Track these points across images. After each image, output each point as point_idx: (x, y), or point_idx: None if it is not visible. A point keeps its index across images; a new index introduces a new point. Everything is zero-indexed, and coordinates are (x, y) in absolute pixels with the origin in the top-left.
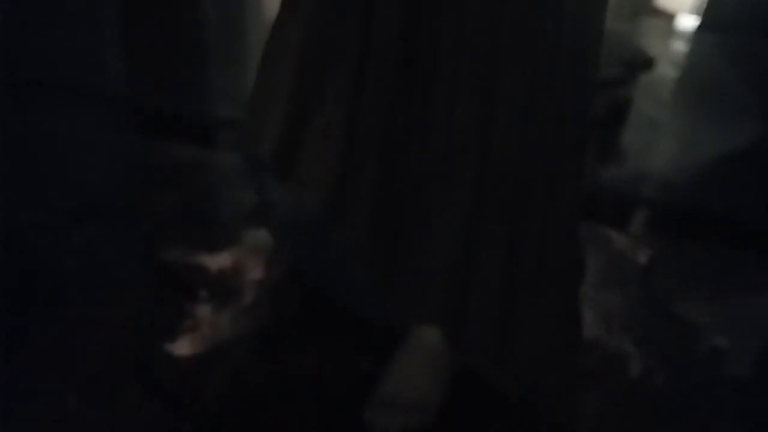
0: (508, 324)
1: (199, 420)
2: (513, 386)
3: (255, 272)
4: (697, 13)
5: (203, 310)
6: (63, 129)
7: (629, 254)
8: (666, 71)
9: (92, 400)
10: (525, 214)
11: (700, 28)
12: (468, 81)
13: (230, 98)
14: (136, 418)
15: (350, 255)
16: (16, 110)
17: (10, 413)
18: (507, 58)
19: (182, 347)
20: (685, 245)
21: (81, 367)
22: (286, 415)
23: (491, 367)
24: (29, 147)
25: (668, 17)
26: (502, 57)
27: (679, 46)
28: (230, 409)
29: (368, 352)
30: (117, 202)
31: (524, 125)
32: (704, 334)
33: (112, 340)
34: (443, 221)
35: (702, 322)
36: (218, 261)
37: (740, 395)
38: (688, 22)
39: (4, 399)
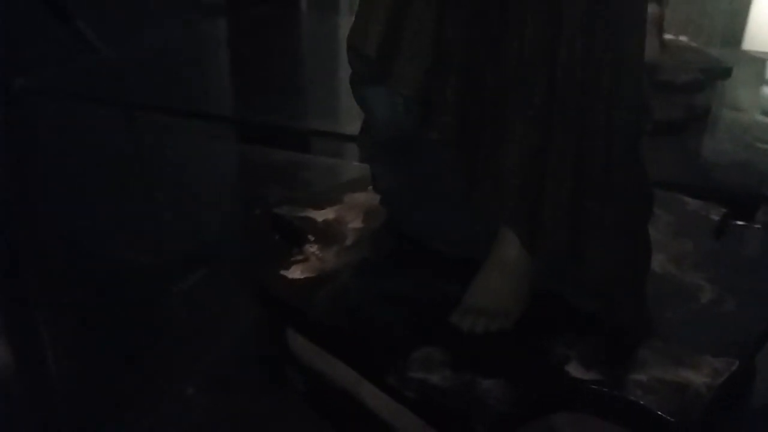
0: (577, 232)
1: (310, 326)
2: (586, 301)
3: (354, 223)
4: None
5: (311, 249)
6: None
7: (702, 212)
8: None
9: None
10: (590, 125)
11: None
12: (536, 3)
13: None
14: None
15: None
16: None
17: None
18: None
19: (293, 272)
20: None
21: None
22: (385, 322)
23: (564, 279)
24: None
25: None
26: None
27: None
28: (337, 318)
29: (453, 279)
30: None
31: (586, 43)
32: None
33: None
34: (517, 128)
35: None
36: (323, 214)
37: None
38: None
39: None
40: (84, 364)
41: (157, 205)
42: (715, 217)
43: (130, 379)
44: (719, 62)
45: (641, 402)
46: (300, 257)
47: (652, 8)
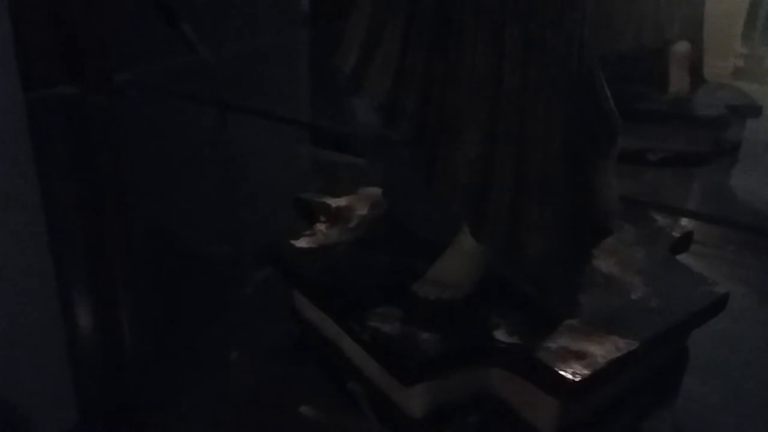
0: (518, 227)
1: (305, 285)
2: (524, 283)
3: (360, 210)
4: None
5: (321, 227)
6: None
7: (667, 228)
8: None
9: None
10: (529, 139)
11: None
12: (484, 34)
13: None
14: None
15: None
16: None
17: None
18: (511, 20)
19: (300, 243)
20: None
21: None
22: (362, 285)
23: (506, 263)
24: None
25: None
26: (508, 19)
27: None
28: (326, 280)
29: (427, 259)
30: None
31: (524, 72)
32: (707, 283)
33: None
34: (467, 137)
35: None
36: (337, 201)
37: None
38: None
39: None
40: (154, 335)
41: (237, 199)
42: (677, 234)
43: (191, 348)
44: (752, 101)
45: (542, 361)
46: (309, 232)
47: (683, 47)
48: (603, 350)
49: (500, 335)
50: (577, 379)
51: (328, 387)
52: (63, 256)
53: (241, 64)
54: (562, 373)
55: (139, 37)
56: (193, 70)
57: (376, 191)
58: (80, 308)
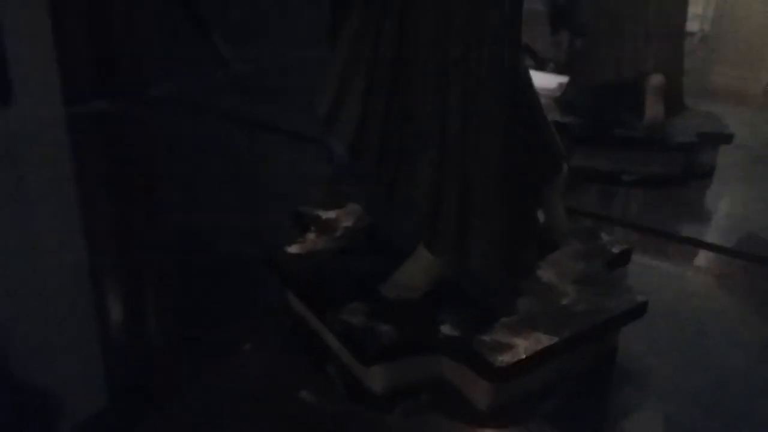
0: (464, 240)
1: (294, 284)
2: (469, 287)
3: (346, 222)
4: None
5: (311, 236)
6: None
7: (608, 246)
8: None
9: None
10: (472, 169)
11: None
12: (431, 86)
13: None
14: None
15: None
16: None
17: None
18: (453, 76)
19: (292, 249)
20: None
21: None
22: (339, 285)
23: (455, 270)
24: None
25: None
26: (451, 75)
27: None
28: (310, 280)
29: (396, 264)
30: None
31: (464, 117)
32: (630, 292)
33: None
34: (420, 168)
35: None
36: (327, 214)
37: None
38: None
39: None
40: (177, 329)
41: (255, 209)
42: (616, 251)
43: (210, 340)
44: (724, 128)
45: (476, 350)
46: (300, 240)
47: (657, 79)
48: (527, 343)
49: (446, 329)
50: (502, 366)
51: (312, 369)
52: (96, 257)
53: (271, 79)
54: (491, 360)
55: (173, 52)
56: (224, 85)
57: (361, 207)
58: (110, 303)
